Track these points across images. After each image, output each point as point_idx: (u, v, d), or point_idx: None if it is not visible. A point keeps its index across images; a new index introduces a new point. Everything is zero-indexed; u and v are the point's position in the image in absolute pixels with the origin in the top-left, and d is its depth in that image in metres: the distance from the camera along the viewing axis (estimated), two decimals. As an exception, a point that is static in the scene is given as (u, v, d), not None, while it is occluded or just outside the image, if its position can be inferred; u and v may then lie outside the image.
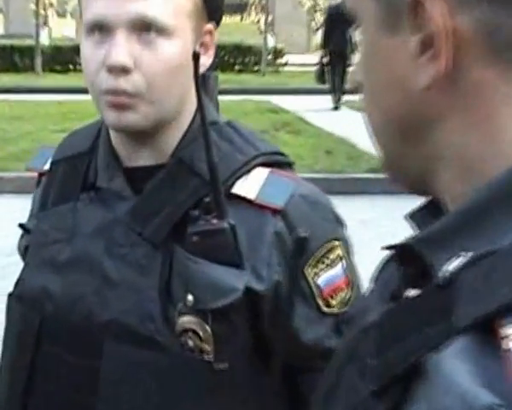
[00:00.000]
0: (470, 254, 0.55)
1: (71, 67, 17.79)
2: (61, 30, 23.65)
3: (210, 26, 1.18)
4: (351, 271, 1.19)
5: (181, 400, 1.13)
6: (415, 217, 0.67)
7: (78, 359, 1.15)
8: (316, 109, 12.20)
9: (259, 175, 1.15)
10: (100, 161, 1.20)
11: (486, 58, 0.56)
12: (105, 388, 1.13)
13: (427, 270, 0.57)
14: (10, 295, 1.22)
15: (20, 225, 1.26)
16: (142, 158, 1.17)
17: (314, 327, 1.18)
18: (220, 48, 17.36)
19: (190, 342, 1.11)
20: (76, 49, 19.25)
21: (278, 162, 1.19)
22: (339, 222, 1.21)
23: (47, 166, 1.26)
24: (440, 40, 0.55)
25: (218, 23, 1.20)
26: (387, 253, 0.66)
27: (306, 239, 1.14)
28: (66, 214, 1.19)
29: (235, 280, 1.10)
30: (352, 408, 0.58)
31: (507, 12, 0.54)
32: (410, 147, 0.62)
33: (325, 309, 1.17)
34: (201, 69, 1.12)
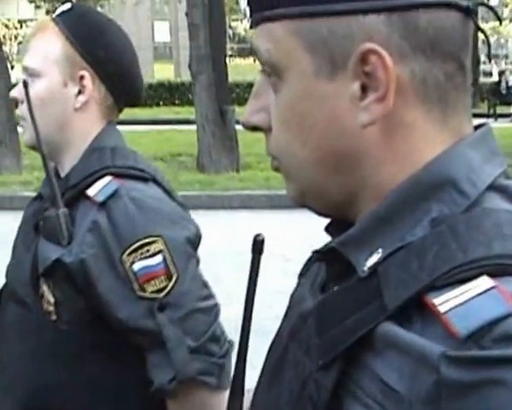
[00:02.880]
0: (387, 250, 0.62)
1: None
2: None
3: (83, 72, 1.38)
4: (172, 264, 1.32)
5: (36, 352, 1.34)
6: (329, 229, 0.75)
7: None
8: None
9: (104, 181, 1.35)
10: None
11: (416, 101, 0.64)
12: (1, 335, 1.41)
13: (351, 266, 0.65)
14: None
15: None
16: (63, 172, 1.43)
17: (129, 306, 1.31)
18: (236, 85, 18.34)
19: (45, 305, 1.33)
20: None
21: (131, 175, 1.36)
22: (170, 223, 1.34)
23: None
24: (389, 85, 0.62)
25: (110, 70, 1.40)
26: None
27: (123, 232, 1.29)
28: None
29: (51, 253, 1.31)
30: (301, 381, 0.64)
31: (431, 64, 0.64)
32: (338, 178, 0.66)
33: (140, 293, 1.29)
34: (77, 105, 1.38)
